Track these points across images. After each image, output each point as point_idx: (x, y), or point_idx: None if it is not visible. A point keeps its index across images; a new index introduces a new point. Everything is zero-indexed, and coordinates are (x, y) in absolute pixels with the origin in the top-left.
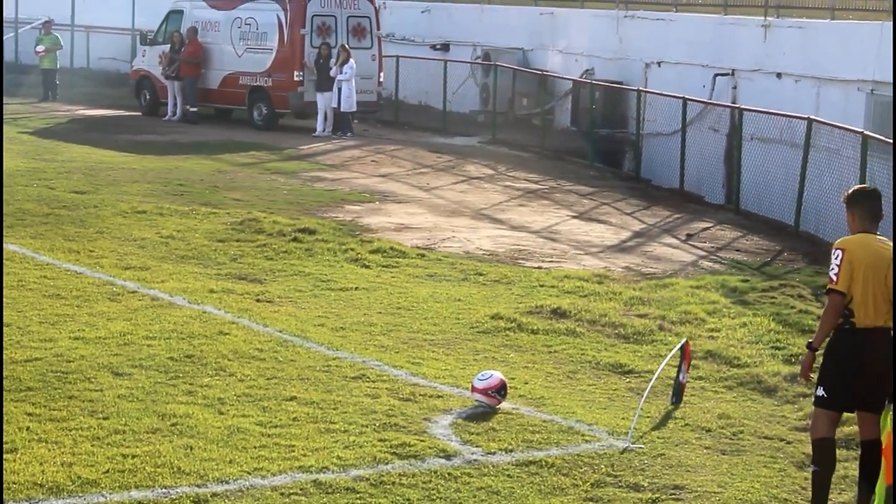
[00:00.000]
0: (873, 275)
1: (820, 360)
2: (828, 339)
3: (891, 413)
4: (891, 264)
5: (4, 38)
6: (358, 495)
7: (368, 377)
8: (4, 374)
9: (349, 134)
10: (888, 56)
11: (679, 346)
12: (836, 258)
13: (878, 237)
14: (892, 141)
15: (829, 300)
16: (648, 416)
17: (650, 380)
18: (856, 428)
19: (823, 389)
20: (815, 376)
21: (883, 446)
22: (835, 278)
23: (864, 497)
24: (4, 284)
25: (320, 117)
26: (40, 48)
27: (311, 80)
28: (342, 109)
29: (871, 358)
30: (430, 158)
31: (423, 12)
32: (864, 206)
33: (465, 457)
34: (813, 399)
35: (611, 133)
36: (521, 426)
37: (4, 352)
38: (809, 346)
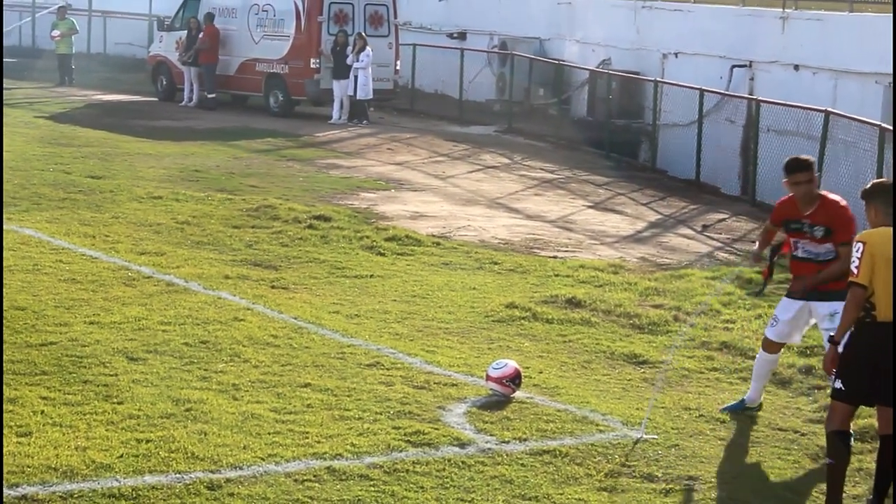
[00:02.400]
0: (891, 268)
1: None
2: (849, 332)
3: None
4: None
5: (22, 22)
6: (371, 482)
7: (383, 365)
8: (20, 357)
9: (365, 122)
10: None
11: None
12: (857, 251)
13: None
14: (892, 128)
15: (850, 293)
16: (663, 407)
17: (663, 370)
18: (870, 420)
19: (842, 382)
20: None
21: None
22: (856, 271)
23: (880, 490)
24: (20, 268)
25: (336, 105)
26: (56, 33)
27: (328, 67)
28: (358, 97)
29: (891, 349)
30: (445, 147)
31: (440, 1)
32: (886, 199)
33: (479, 445)
34: (830, 391)
35: (627, 123)
36: (536, 415)
37: (20, 335)
38: (831, 339)
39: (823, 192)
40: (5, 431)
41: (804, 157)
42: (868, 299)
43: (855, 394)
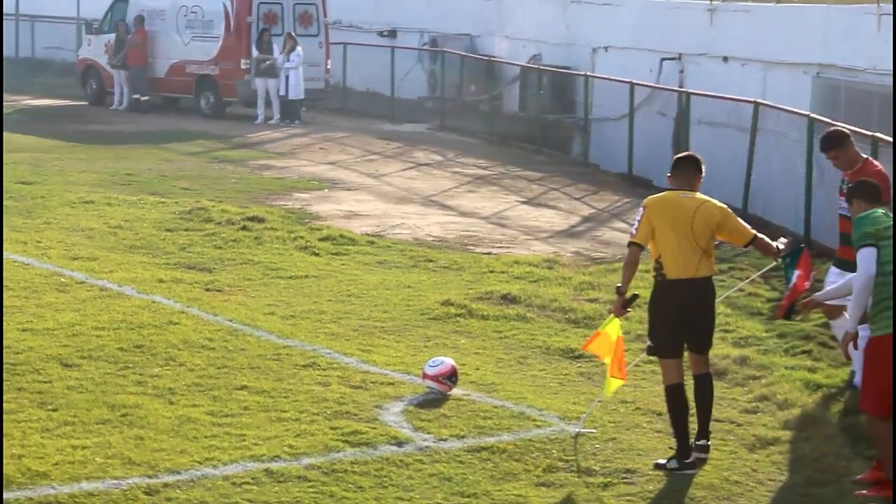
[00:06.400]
0: (675, 229)
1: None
2: (650, 293)
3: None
4: (694, 217)
5: None
6: (310, 483)
7: (319, 365)
8: None
9: (297, 122)
10: (833, 39)
11: (792, 252)
12: (637, 215)
13: (684, 193)
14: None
15: (628, 251)
16: (600, 401)
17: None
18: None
19: (651, 339)
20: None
21: (613, 340)
22: (634, 232)
23: (703, 422)
24: None
25: (260, 103)
26: None
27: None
28: (290, 97)
29: (685, 305)
30: (378, 145)
31: None
32: (677, 168)
33: (416, 444)
34: (646, 349)
35: (559, 118)
36: (473, 412)
37: None
38: (617, 289)
39: (869, 158)
40: None
41: (829, 134)
42: (658, 260)
43: (665, 348)
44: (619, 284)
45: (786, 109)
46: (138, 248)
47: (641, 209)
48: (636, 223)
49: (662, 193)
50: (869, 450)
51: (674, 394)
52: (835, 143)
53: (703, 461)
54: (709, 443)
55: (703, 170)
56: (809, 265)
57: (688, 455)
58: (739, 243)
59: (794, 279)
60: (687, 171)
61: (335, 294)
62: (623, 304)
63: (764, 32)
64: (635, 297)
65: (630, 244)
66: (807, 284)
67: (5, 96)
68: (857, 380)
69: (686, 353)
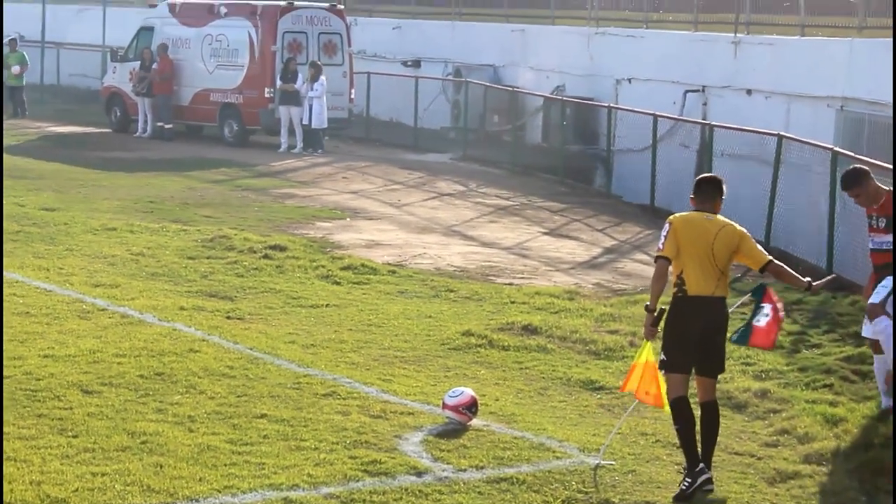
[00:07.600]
0: (696, 248)
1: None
2: (669, 308)
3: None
4: (716, 239)
5: None
6: None
7: (339, 394)
8: None
9: (320, 151)
10: (858, 72)
11: (755, 290)
12: (664, 231)
13: (707, 215)
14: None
15: (655, 265)
16: (619, 433)
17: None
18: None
19: (665, 353)
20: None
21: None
22: (661, 247)
23: (707, 451)
24: None
25: (283, 132)
26: (16, 68)
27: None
28: (313, 126)
29: (702, 322)
30: (401, 175)
31: (394, 29)
32: (699, 190)
33: (435, 474)
34: (658, 363)
35: (582, 149)
36: (492, 443)
37: None
38: (646, 307)
39: (890, 190)
40: None
41: (849, 172)
42: (680, 276)
43: (678, 363)
44: (647, 303)
45: (809, 143)
46: (160, 276)
47: (667, 225)
48: (662, 238)
49: (687, 213)
50: (890, 484)
51: (679, 406)
52: (855, 181)
53: (708, 491)
54: (710, 472)
55: (725, 190)
56: (774, 299)
57: (696, 463)
58: (755, 267)
59: (768, 311)
60: (707, 192)
61: (356, 323)
62: (653, 322)
63: (788, 65)
64: (663, 311)
65: (657, 258)
66: (781, 314)
67: (30, 123)
68: (885, 402)
69: (693, 383)
